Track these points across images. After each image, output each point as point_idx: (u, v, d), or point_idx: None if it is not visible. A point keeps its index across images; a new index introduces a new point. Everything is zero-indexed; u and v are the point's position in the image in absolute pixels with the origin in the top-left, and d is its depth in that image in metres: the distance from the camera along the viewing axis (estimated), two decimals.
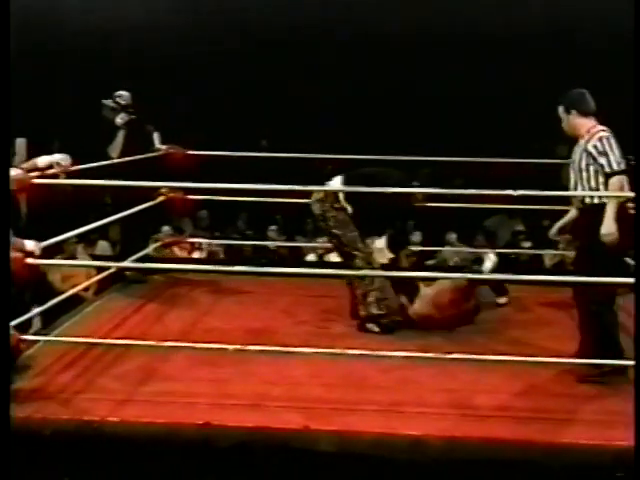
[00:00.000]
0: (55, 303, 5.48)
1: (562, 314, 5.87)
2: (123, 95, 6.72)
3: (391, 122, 12.13)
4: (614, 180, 4.55)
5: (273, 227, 10.60)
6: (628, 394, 3.99)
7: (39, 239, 4.63)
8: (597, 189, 4.60)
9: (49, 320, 5.70)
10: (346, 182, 5.48)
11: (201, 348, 4.77)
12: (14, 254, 4.08)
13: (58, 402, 4.17)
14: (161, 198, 6.77)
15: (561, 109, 4.83)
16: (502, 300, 6.05)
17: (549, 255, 9.28)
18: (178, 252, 8.60)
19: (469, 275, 5.85)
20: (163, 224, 9.12)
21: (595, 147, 4.61)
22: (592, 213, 4.58)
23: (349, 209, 5.41)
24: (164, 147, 6.98)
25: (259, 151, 10.47)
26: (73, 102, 11.88)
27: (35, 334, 5.32)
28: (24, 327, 4.93)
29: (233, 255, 9.29)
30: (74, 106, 11.29)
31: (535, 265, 9.05)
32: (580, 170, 4.68)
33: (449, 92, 11.92)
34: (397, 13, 12.50)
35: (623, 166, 4.58)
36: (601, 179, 4.59)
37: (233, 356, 4.70)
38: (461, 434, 3.89)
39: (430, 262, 9.55)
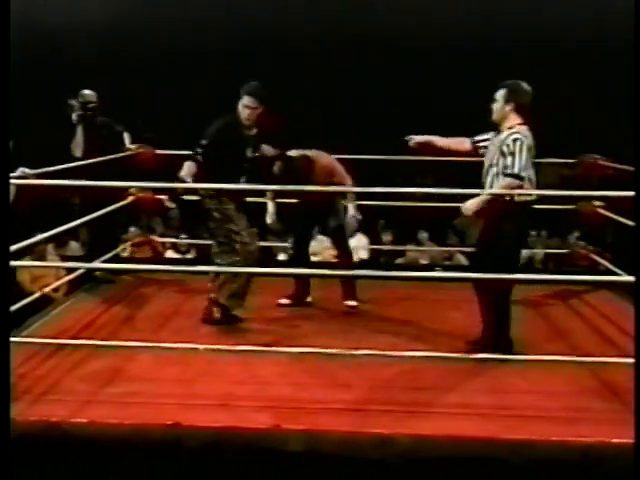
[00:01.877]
0: (24, 304, 5.43)
1: (530, 312, 5.95)
2: (84, 93, 6.70)
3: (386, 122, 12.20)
4: (508, 180, 4.69)
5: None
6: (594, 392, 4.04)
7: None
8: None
9: (18, 321, 5.65)
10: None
11: (170, 348, 4.76)
12: None
13: (25, 403, 4.13)
14: (131, 198, 6.74)
15: (502, 93, 4.85)
16: (351, 303, 6.02)
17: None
18: (149, 252, 8.55)
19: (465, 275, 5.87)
20: (131, 224, 9.09)
21: (507, 146, 4.71)
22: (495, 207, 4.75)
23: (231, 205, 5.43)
24: (134, 147, 6.96)
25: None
26: (43, 102, 11.80)
27: None
28: None
29: (204, 254, 9.24)
30: (44, 106, 11.21)
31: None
32: (491, 165, 4.83)
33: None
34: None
35: (523, 172, 4.67)
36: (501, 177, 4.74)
37: (201, 356, 4.70)
38: (429, 432, 3.90)
39: (400, 260, 9.61)
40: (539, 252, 9.55)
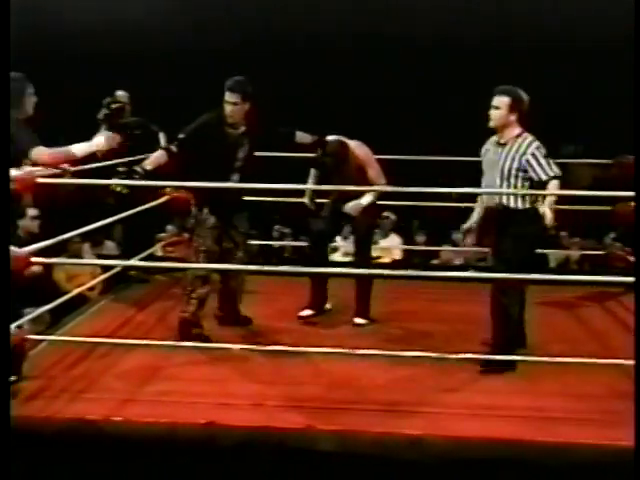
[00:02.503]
0: (60, 303, 5.50)
1: (563, 314, 5.91)
2: (115, 93, 6.77)
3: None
4: (556, 182, 4.70)
5: (277, 226, 10.61)
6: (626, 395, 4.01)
7: (44, 237, 4.67)
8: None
9: (54, 319, 5.74)
10: None
11: (204, 347, 4.81)
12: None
13: (61, 401, 4.19)
14: (165, 197, 6.79)
15: (506, 102, 4.78)
16: (360, 321, 5.70)
17: (553, 255, 9.30)
18: (183, 251, 8.60)
19: (479, 274, 5.85)
20: (168, 223, 9.14)
21: (534, 155, 4.69)
22: (520, 216, 4.73)
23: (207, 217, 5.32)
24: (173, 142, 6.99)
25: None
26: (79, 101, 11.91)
27: (40, 333, 5.34)
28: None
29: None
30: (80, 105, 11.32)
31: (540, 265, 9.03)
32: (508, 172, 4.75)
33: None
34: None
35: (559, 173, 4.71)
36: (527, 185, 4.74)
37: (235, 355, 4.73)
38: (460, 434, 3.90)
39: (434, 261, 9.58)
40: (574, 253, 9.48)
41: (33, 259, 4.27)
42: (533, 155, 4.71)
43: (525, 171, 4.72)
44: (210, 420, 3.97)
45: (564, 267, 9.28)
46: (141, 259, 6.50)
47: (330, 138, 5.63)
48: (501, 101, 4.78)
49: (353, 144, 5.68)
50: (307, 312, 5.73)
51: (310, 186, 5.68)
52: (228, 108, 5.20)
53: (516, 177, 4.75)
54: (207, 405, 4.17)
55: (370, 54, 12.60)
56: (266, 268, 5.46)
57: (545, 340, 5.10)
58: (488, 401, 4.27)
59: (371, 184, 5.59)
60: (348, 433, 3.91)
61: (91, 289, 6.94)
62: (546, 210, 4.66)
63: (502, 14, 12.40)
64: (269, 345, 4.85)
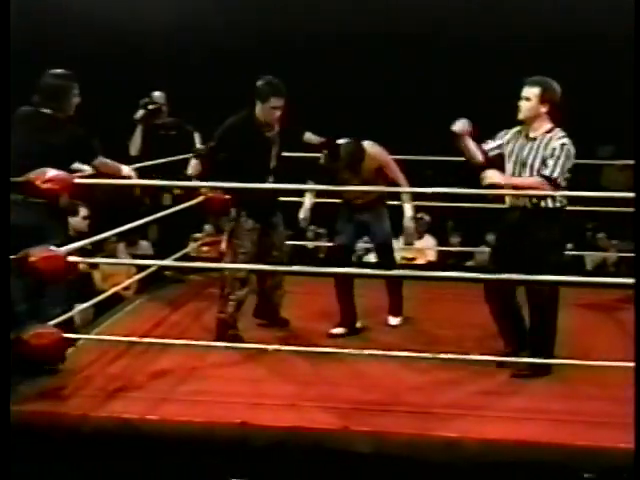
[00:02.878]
0: (96, 302, 5.55)
1: (601, 316, 5.85)
2: (151, 95, 6.81)
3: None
4: (539, 179, 4.49)
5: (312, 227, 10.60)
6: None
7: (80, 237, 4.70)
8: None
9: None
10: None
11: (238, 347, 4.82)
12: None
13: (97, 400, 4.22)
14: (200, 198, 6.81)
15: (536, 92, 4.54)
16: (395, 321, 5.67)
17: (591, 257, 9.22)
18: (218, 252, 8.65)
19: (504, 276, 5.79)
20: (205, 223, 9.17)
21: (553, 150, 4.49)
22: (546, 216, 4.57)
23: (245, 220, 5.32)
24: (203, 147, 7.02)
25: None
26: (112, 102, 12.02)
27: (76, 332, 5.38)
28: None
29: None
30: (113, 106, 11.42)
31: (576, 267, 8.95)
32: (538, 170, 4.54)
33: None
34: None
35: (560, 179, 4.48)
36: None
37: (269, 355, 4.74)
38: (496, 436, 3.87)
39: (469, 263, 9.53)
40: (612, 255, 9.39)
41: (70, 258, 4.30)
42: (553, 150, 4.50)
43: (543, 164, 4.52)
44: (245, 420, 3.97)
45: (601, 269, 9.19)
46: (176, 259, 6.53)
47: (342, 141, 5.42)
48: (531, 92, 4.54)
49: (368, 144, 5.48)
50: (338, 330, 5.45)
51: (344, 187, 5.51)
52: (276, 113, 5.14)
53: (536, 171, 4.55)
54: (242, 405, 4.17)
55: (372, 54, 12.61)
56: (293, 268, 5.42)
57: (581, 342, 5.05)
58: (524, 404, 4.24)
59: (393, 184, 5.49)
60: (383, 435, 3.90)
61: (126, 289, 6.98)
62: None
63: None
64: (304, 346, 4.85)
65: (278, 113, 5.15)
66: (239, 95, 5.27)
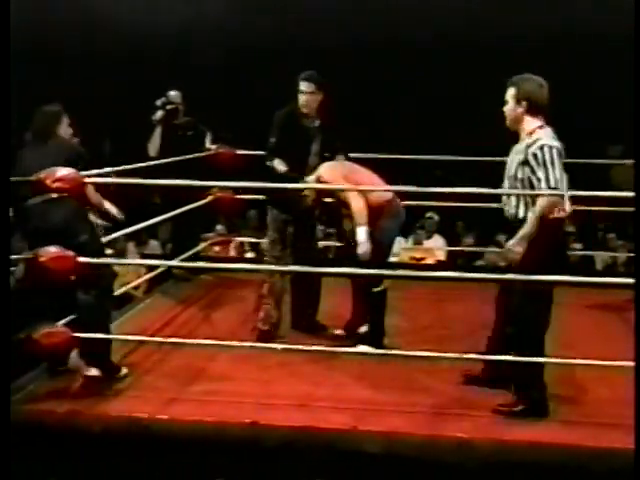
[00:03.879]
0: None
1: (610, 317, 5.82)
2: (167, 94, 6.81)
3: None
4: (543, 200, 3.98)
5: (321, 227, 10.59)
6: None
7: None
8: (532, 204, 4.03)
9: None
10: None
11: (248, 347, 4.81)
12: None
13: (108, 399, 4.22)
14: (210, 198, 6.82)
15: (512, 92, 4.13)
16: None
17: (600, 257, 9.18)
18: (229, 252, 8.67)
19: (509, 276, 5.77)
20: (216, 223, 9.17)
21: (535, 156, 3.99)
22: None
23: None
24: (214, 147, 7.03)
25: None
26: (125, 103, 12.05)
27: None
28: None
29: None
30: (127, 106, 11.45)
31: (586, 267, 8.92)
32: (515, 179, 4.10)
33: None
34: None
35: (560, 184, 3.96)
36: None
37: (279, 355, 4.73)
38: (508, 437, 3.86)
39: (479, 263, 9.50)
40: (621, 255, 9.35)
41: (80, 259, 4.30)
42: (534, 155, 3.99)
43: (526, 176, 4.04)
44: (255, 420, 3.97)
45: (611, 269, 9.15)
46: (186, 259, 6.53)
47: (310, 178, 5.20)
48: (508, 93, 4.17)
49: (324, 170, 5.18)
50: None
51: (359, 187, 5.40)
52: (303, 98, 5.27)
53: (522, 183, 4.07)
54: (252, 405, 4.17)
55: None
56: (301, 269, 5.38)
57: (587, 342, 5.04)
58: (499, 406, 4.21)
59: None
60: (394, 435, 3.89)
61: (136, 288, 6.99)
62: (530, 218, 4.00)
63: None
64: (314, 346, 4.83)
65: (304, 97, 5.26)
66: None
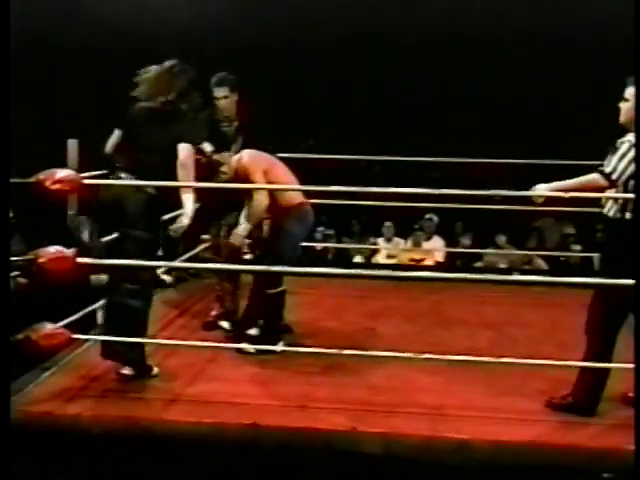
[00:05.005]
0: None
1: None
2: None
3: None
4: (594, 175, 4.04)
5: (320, 228, 10.61)
6: None
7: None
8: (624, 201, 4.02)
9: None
10: None
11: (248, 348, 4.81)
12: None
13: (107, 400, 4.22)
14: None
15: (633, 91, 4.03)
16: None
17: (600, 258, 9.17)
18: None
19: (515, 277, 5.79)
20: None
21: (617, 149, 4.02)
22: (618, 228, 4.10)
23: None
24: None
25: (306, 151, 10.50)
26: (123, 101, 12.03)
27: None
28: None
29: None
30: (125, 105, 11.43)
31: (585, 268, 8.92)
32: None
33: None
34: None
35: (616, 176, 3.98)
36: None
37: (279, 357, 4.74)
38: (508, 438, 3.86)
39: (478, 264, 9.52)
40: None
41: (79, 259, 4.30)
42: (615, 148, 4.03)
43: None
44: (254, 421, 3.97)
45: None
46: (186, 260, 6.53)
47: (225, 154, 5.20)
48: (627, 92, 4.07)
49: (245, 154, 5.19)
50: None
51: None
52: (219, 103, 5.25)
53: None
54: (251, 406, 4.17)
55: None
56: (299, 270, 5.36)
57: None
58: (535, 406, 4.22)
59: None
60: (393, 436, 3.89)
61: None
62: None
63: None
64: (314, 347, 4.84)
65: (221, 103, 5.25)
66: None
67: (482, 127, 11.86)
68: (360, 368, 4.63)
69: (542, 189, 4.15)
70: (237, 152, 5.24)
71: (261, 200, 4.94)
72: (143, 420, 3.99)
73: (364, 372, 4.60)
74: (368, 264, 9.27)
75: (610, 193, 4.08)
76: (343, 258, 9.87)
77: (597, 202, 5.56)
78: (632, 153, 3.97)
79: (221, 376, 4.58)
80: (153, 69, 4.61)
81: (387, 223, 9.96)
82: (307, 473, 3.90)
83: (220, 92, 5.24)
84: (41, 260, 4.08)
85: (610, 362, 4.12)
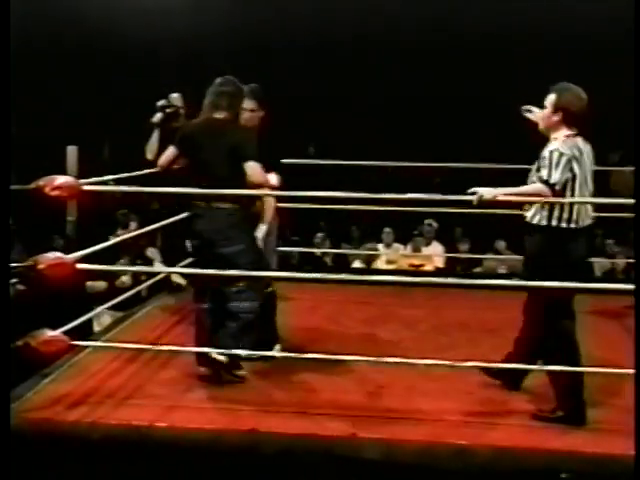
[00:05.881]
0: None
1: (611, 322, 5.82)
2: (170, 96, 6.77)
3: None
4: (538, 185, 4.07)
5: (319, 234, 10.61)
6: None
7: (88, 244, 4.70)
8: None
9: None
10: None
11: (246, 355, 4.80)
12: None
13: (107, 407, 4.21)
14: None
15: (552, 99, 4.18)
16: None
17: (600, 263, 9.17)
18: None
19: (517, 283, 5.77)
20: None
21: (543, 159, 4.09)
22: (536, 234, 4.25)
23: None
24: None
25: (306, 157, 10.52)
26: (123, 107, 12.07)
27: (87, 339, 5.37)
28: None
29: (279, 262, 9.30)
30: (124, 111, 11.46)
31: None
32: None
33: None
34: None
35: (559, 188, 4.04)
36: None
37: (278, 362, 4.73)
38: (508, 444, 3.85)
39: (477, 270, 9.51)
40: (620, 262, 9.35)
41: (78, 265, 4.30)
42: (543, 159, 4.09)
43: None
44: (254, 427, 3.96)
45: (610, 276, 9.15)
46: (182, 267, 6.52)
47: None
48: (548, 99, 4.23)
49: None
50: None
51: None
52: (244, 115, 5.10)
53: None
54: (251, 412, 4.17)
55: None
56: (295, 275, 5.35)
57: (586, 348, 5.01)
58: (535, 411, 4.21)
59: None
60: (393, 441, 3.88)
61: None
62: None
63: None
64: (313, 353, 4.83)
65: (248, 115, 5.12)
66: None
67: (484, 132, 11.91)
68: (360, 374, 4.63)
69: (486, 192, 4.13)
70: None
71: (270, 199, 5.08)
72: (143, 426, 3.98)
73: (364, 378, 4.59)
74: (368, 269, 9.25)
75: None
76: (342, 264, 9.87)
77: (597, 208, 5.57)
78: (564, 161, 4.05)
79: (220, 382, 4.57)
80: (224, 83, 4.72)
81: (386, 229, 9.96)
82: (307, 479, 3.89)
83: (248, 104, 5.20)
84: (41, 266, 4.08)
85: (579, 363, 4.19)
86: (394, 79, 12.85)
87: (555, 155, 4.06)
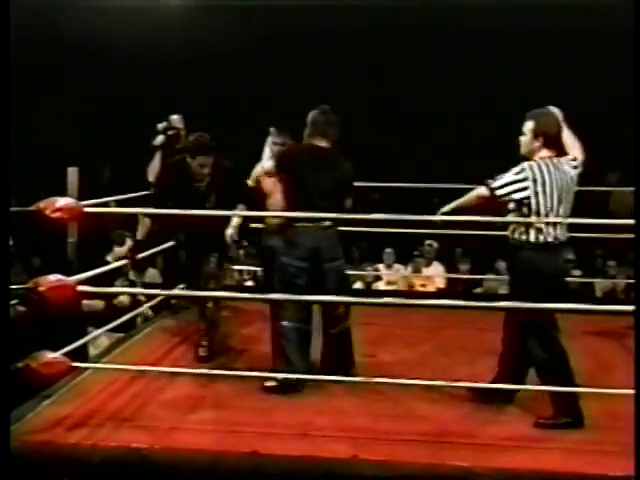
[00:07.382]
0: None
1: (610, 343, 5.81)
2: (170, 118, 6.80)
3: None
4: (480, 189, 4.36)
5: None
6: None
7: (88, 266, 4.71)
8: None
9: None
10: None
11: (248, 377, 4.79)
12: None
13: (107, 429, 4.20)
14: None
15: (530, 126, 4.35)
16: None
17: (600, 284, 9.18)
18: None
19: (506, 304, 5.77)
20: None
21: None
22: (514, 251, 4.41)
23: None
24: None
25: None
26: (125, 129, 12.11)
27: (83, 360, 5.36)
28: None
29: None
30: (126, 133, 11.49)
31: (586, 294, 8.92)
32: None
33: None
34: None
35: (501, 192, 4.28)
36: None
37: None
38: (509, 466, 3.83)
39: (477, 290, 9.50)
40: (620, 282, 9.36)
41: (79, 287, 4.30)
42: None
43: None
44: (255, 449, 3.95)
45: (610, 296, 9.15)
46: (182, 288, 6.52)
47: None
48: (526, 126, 4.37)
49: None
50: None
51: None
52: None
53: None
54: (252, 434, 4.15)
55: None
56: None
57: (590, 370, 5.01)
58: (537, 433, 4.20)
59: None
60: (394, 463, 3.86)
61: None
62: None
63: None
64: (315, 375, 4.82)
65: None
66: None
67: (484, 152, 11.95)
68: (360, 395, 4.62)
69: (441, 211, 4.46)
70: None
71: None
72: (143, 449, 3.97)
73: (364, 399, 4.58)
74: (369, 290, 9.25)
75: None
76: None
77: (598, 229, 5.57)
78: (513, 174, 4.28)
79: (221, 404, 4.56)
80: (327, 111, 4.94)
81: (387, 250, 9.96)
82: None
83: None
84: (42, 288, 4.08)
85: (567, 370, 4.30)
86: (385, 100, 12.91)
87: (513, 169, 4.30)
